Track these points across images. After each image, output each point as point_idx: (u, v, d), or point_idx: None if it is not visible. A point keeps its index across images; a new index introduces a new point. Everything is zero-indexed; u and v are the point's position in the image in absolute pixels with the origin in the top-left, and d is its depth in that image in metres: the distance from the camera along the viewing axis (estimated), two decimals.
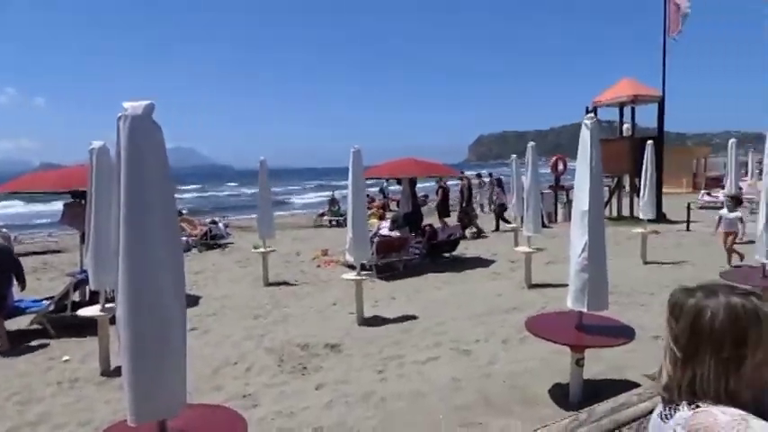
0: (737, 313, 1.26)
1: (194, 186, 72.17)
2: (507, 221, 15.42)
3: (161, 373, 2.53)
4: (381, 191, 25.09)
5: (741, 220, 9.43)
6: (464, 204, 15.09)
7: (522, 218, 9.94)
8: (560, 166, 18.20)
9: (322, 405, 4.67)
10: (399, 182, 12.10)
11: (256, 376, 5.44)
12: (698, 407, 1.25)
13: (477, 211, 19.00)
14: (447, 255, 11.81)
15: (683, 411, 1.27)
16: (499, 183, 16.88)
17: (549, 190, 17.62)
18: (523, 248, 9.10)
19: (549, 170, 19.35)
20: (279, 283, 9.84)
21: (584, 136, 4.05)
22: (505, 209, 16.09)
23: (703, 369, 1.26)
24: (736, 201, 10.00)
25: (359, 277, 7.07)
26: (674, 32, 16.07)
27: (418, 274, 10.23)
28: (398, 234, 10.69)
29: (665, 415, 1.32)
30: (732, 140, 13.18)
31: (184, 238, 14.05)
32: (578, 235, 4.08)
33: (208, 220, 17.23)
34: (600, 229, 4.16)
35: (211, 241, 14.86)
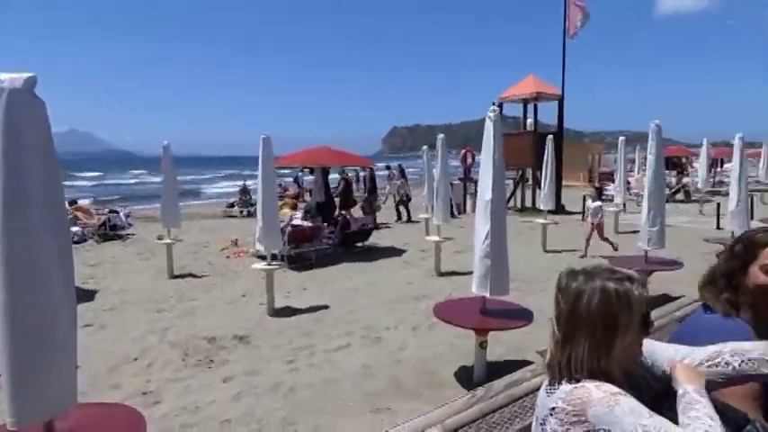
0: (610, 298, 1.36)
1: (94, 174, 67.21)
2: (399, 214, 15.94)
3: (46, 367, 2.31)
4: (296, 180, 24.71)
5: (601, 208, 10.46)
6: (367, 194, 15.24)
7: (432, 208, 10.20)
8: (469, 159, 18.88)
9: (229, 398, 4.55)
10: (312, 171, 11.99)
11: (159, 372, 5.19)
12: (578, 382, 1.36)
13: (390, 201, 19.25)
14: (360, 244, 11.89)
15: (565, 386, 1.37)
16: (402, 173, 17.25)
17: (458, 181, 18.22)
18: (433, 238, 9.36)
19: (458, 162, 20.00)
20: (185, 275, 9.42)
21: (488, 128, 4.22)
22: (410, 199, 16.49)
23: (578, 350, 1.37)
24: (598, 191, 11.10)
25: (270, 267, 6.94)
26: (572, 33, 17.12)
27: (331, 263, 10.21)
28: (311, 224, 10.60)
29: (550, 390, 1.42)
30: (621, 138, 14.30)
31: (78, 228, 13.07)
32: (482, 223, 4.26)
33: (107, 209, 16.13)
34: (502, 218, 4.36)
35: (111, 232, 13.90)
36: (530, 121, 18.13)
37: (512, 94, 17.75)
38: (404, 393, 4.59)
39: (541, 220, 11.20)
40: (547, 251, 10.83)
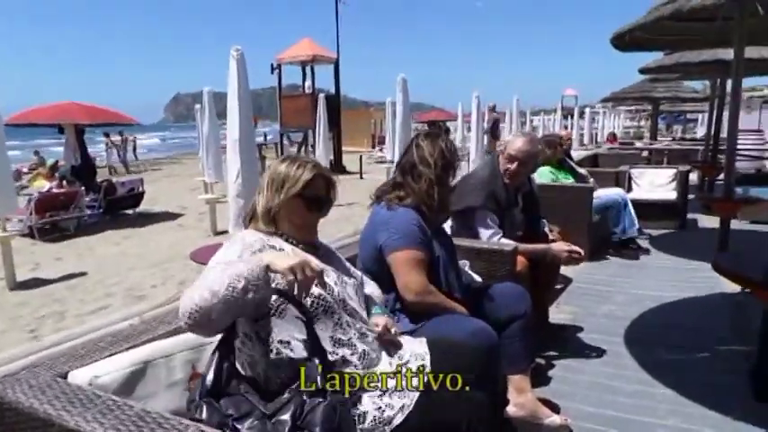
0: (274, 171, 1.74)
1: None
2: None
3: None
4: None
5: None
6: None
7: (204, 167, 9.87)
8: (260, 127, 18.66)
9: None
10: (62, 131, 10.50)
11: None
12: (254, 229, 1.70)
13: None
14: (130, 211, 11.00)
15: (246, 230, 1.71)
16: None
17: None
18: (207, 196, 9.12)
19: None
20: None
21: (232, 68, 4.24)
22: None
23: (258, 202, 1.73)
24: None
25: (4, 234, 6.04)
26: None
27: (94, 232, 9.29)
28: (63, 189, 9.40)
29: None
30: (389, 99, 15.42)
31: None
32: (232, 162, 4.31)
33: None
34: (252, 156, 4.47)
35: None
36: (308, 83, 18.51)
37: (289, 56, 17.86)
38: None
39: None
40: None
